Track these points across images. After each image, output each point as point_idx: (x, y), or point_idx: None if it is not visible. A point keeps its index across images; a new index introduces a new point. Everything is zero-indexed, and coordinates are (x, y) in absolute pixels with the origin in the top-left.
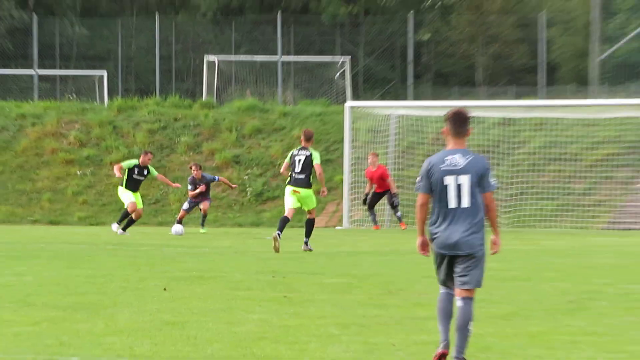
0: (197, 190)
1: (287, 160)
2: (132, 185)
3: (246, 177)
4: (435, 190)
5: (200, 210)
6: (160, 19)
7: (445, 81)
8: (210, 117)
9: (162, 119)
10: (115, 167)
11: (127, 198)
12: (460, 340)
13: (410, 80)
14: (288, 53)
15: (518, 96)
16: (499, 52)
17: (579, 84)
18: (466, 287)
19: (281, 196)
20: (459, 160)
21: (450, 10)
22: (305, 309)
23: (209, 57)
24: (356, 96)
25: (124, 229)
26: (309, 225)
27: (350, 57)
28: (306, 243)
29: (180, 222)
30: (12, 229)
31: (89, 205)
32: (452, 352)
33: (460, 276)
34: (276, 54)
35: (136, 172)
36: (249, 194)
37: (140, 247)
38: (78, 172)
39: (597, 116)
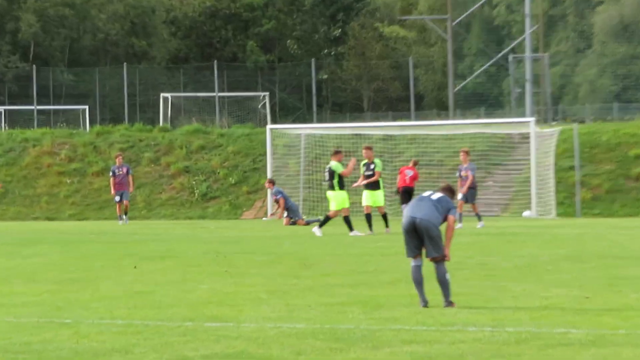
0: None
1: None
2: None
3: (194, 182)
4: None
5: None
6: (127, 67)
7: (340, 109)
8: (166, 138)
9: (130, 140)
10: None
11: None
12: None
13: (314, 108)
14: (222, 90)
15: (394, 119)
16: (379, 87)
17: (439, 109)
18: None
19: (221, 196)
20: None
21: (342, 57)
22: (242, 280)
23: (163, 95)
24: (274, 121)
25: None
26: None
27: (268, 92)
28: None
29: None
30: (18, 224)
31: (77, 205)
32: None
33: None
34: (214, 91)
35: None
36: (196, 194)
37: (115, 236)
38: (68, 180)
39: (454, 132)
